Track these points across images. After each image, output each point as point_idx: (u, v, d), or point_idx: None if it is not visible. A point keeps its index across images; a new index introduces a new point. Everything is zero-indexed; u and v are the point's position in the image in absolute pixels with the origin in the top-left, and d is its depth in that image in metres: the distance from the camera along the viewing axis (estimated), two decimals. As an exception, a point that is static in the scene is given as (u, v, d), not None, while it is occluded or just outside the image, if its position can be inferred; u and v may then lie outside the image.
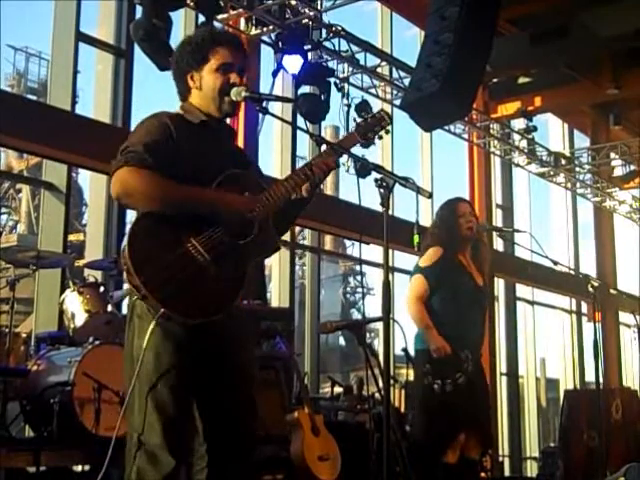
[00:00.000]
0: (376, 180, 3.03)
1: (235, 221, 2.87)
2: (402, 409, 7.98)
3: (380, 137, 3.24)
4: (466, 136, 13.22)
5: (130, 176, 2.80)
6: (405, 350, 5.29)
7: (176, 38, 8.08)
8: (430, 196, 3.09)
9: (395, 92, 11.28)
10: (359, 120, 3.26)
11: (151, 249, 2.79)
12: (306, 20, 9.32)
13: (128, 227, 2.87)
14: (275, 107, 9.83)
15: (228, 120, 3.24)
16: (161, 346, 2.81)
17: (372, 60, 10.69)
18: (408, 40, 14.85)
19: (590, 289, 5.25)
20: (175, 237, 2.81)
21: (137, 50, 8.17)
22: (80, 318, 5.86)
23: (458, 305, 4.98)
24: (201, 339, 2.83)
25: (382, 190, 3.02)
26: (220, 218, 2.86)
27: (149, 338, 2.78)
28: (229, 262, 2.85)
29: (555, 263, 5.33)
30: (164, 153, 2.86)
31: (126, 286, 2.93)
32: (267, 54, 9.87)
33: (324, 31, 9.74)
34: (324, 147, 3.17)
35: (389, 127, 3.27)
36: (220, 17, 8.80)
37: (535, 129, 13.73)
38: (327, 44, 9.79)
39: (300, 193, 3.10)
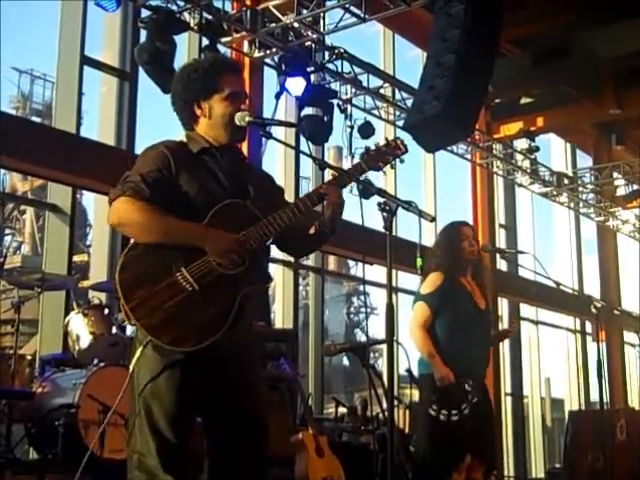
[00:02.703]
0: (379, 204, 3.05)
1: (223, 253, 2.88)
2: (406, 430, 7.96)
3: (392, 166, 3.19)
4: (469, 156, 13.25)
5: (126, 207, 2.87)
6: (409, 371, 5.28)
7: (180, 61, 8.17)
8: (433, 220, 3.09)
9: (398, 113, 11.32)
10: (371, 148, 3.15)
11: (141, 277, 2.85)
12: (309, 42, 9.39)
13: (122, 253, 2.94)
14: (278, 130, 9.88)
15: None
16: (157, 370, 2.85)
17: (375, 81, 10.75)
18: (410, 61, 14.94)
19: (593, 310, 5.24)
20: (165, 266, 2.86)
21: (141, 73, 8.25)
22: (85, 340, 5.87)
23: (461, 329, 4.96)
24: (203, 363, 2.86)
25: (385, 214, 3.04)
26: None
27: (137, 361, 2.87)
28: (218, 291, 2.87)
29: (558, 285, 5.33)
30: (160, 183, 2.92)
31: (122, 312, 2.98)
32: (270, 76, 9.94)
33: (327, 53, 9.81)
34: (327, 172, 3.18)
35: (403, 157, 3.18)
36: (224, 40, 8.87)
37: (537, 149, 13.76)
38: (330, 66, 9.87)
39: (322, 226, 3.13)
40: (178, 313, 2.82)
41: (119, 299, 2.82)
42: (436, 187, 13.75)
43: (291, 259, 10.61)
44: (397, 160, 3.21)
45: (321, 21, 9.21)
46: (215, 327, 2.85)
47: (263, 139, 9.07)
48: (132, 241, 2.94)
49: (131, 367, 2.87)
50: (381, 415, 5.09)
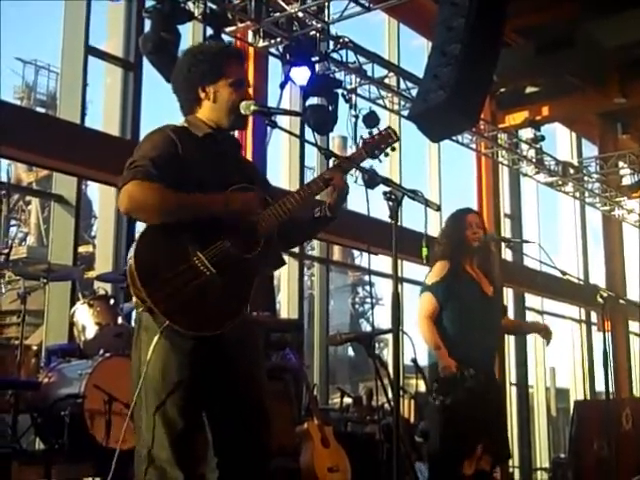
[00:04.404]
0: (385, 193, 3.04)
1: (242, 232, 2.89)
2: (411, 420, 7.97)
3: (386, 154, 3.22)
4: (474, 146, 13.23)
5: (139, 190, 2.82)
6: (414, 361, 5.28)
7: (184, 51, 8.14)
8: (438, 209, 3.09)
9: (403, 103, 11.31)
10: (365, 137, 3.23)
11: (157, 262, 2.81)
12: (313, 32, 9.37)
13: (135, 239, 2.89)
14: (283, 119, 9.86)
15: (236, 132, 3.26)
16: (167, 361, 2.82)
17: (379, 71, 10.73)
18: (415, 50, 14.90)
19: (599, 300, 5.23)
20: (181, 250, 2.82)
21: (146, 63, 8.24)
22: (90, 330, 5.88)
23: (468, 318, 4.95)
24: (209, 352, 2.84)
25: (391, 203, 3.03)
26: (232, 217, 2.88)
27: (153, 350, 2.80)
28: (235, 275, 2.86)
29: (564, 274, 5.32)
30: (170, 167, 2.88)
31: (135, 298, 2.94)
32: (275, 66, 9.92)
33: (331, 43, 9.79)
34: (332, 161, 3.18)
35: (395, 144, 3.25)
36: (228, 30, 8.85)
37: (543, 138, 13.73)
38: (334, 56, 9.84)
39: (324, 211, 3.14)
40: (196, 298, 2.79)
41: (134, 284, 2.76)
42: (441, 177, 13.73)
43: (296, 249, 10.62)
44: (390, 148, 3.25)
45: (326, 10, 9.18)
46: (233, 311, 2.86)
47: (268, 128, 9.07)
48: (144, 226, 2.89)
49: (148, 356, 2.80)
50: (386, 405, 5.09)
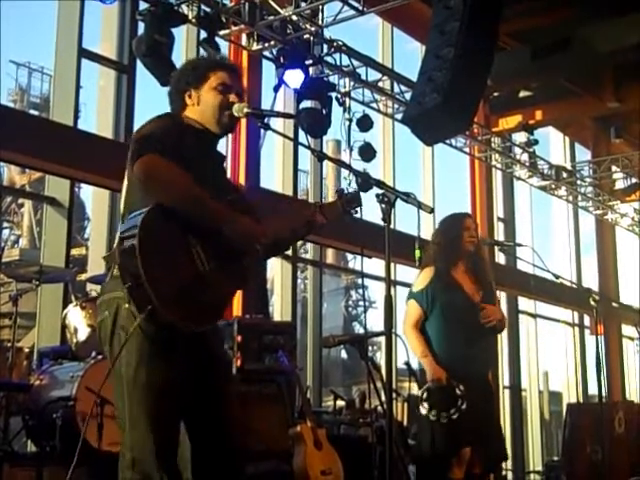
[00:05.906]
0: (378, 195, 3.05)
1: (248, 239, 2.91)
2: (404, 422, 7.96)
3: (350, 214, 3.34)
4: (467, 150, 13.24)
5: (159, 163, 2.74)
6: (407, 363, 5.28)
7: (178, 54, 8.16)
8: (431, 211, 3.10)
9: (396, 106, 11.31)
10: (346, 192, 3.34)
11: (159, 244, 2.74)
12: (307, 35, 9.36)
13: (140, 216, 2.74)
14: (277, 122, 9.85)
15: (230, 137, 3.27)
16: (152, 363, 2.77)
17: (373, 74, 10.73)
18: (409, 53, 14.92)
19: (592, 303, 5.24)
20: (183, 238, 2.78)
21: (139, 66, 8.24)
22: (83, 333, 5.86)
23: (453, 327, 4.93)
24: (189, 354, 2.82)
25: (384, 205, 3.03)
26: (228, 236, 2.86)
27: (129, 338, 2.73)
28: (226, 276, 2.86)
29: (557, 277, 5.33)
30: (175, 152, 2.82)
31: (112, 294, 2.84)
32: (269, 69, 9.92)
33: (325, 46, 9.78)
34: (325, 164, 3.20)
35: (358, 209, 3.33)
36: (222, 33, 8.83)
37: (536, 142, 13.76)
38: (328, 59, 9.83)
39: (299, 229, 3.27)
40: (186, 290, 2.74)
41: (134, 255, 2.64)
42: (434, 180, 13.74)
43: (289, 252, 10.61)
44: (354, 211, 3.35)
45: (320, 14, 9.18)
46: (214, 313, 2.86)
47: (261, 131, 9.07)
48: (150, 204, 2.75)
49: (124, 340, 2.74)
50: (379, 408, 5.09)
